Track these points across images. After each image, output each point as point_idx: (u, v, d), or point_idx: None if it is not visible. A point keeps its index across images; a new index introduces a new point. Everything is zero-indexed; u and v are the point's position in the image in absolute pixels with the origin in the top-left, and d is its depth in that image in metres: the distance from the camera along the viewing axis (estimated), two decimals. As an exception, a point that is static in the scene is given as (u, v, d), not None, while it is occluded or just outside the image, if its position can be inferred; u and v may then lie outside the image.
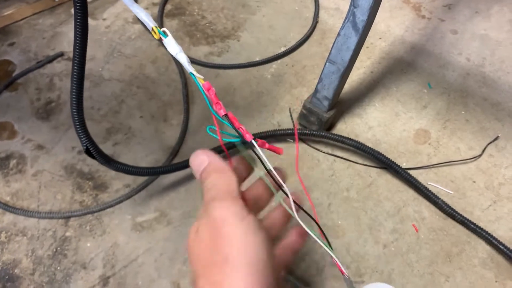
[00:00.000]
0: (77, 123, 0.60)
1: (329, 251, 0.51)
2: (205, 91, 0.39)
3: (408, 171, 0.84)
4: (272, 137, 0.88)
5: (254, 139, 0.39)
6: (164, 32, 0.41)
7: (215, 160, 0.39)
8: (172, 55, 0.42)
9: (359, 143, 0.84)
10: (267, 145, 0.40)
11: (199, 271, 0.32)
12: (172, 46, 0.41)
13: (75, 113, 0.60)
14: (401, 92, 1.02)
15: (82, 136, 0.60)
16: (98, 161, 0.65)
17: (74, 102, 0.59)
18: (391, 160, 0.82)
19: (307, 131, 0.87)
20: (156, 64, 1.05)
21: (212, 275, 0.30)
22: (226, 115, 0.39)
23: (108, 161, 0.66)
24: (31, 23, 1.12)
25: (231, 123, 0.39)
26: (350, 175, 0.86)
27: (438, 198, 0.81)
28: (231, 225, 0.32)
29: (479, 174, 0.88)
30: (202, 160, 0.39)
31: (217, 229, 0.32)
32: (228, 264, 0.30)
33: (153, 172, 0.77)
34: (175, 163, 0.79)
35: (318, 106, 0.87)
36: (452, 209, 0.80)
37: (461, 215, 0.79)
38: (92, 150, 0.62)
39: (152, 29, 0.41)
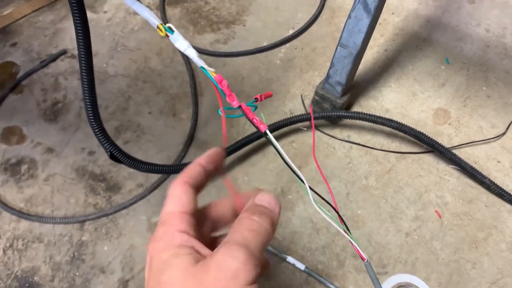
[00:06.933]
0: (97, 130, 0.59)
1: (348, 236, 0.49)
2: (218, 84, 0.39)
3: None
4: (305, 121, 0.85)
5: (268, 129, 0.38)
6: (170, 28, 0.40)
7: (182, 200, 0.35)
8: (180, 51, 0.41)
9: (400, 123, 0.79)
10: (263, 97, 0.41)
11: None
12: (179, 42, 0.40)
13: (92, 120, 0.58)
14: (417, 70, 0.98)
15: (104, 142, 0.59)
16: (125, 165, 0.64)
17: (89, 109, 0.58)
18: (435, 140, 0.79)
19: (339, 113, 0.82)
20: (161, 56, 1.02)
21: None
22: (240, 106, 0.38)
23: (136, 163, 0.65)
24: (31, 21, 1.10)
25: (245, 114, 0.39)
26: (368, 162, 0.83)
27: (485, 178, 0.77)
28: (173, 272, 0.31)
29: (503, 153, 0.84)
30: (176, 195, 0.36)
31: (158, 272, 0.32)
32: None
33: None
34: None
35: (331, 92, 0.84)
36: (500, 188, 0.77)
37: (510, 195, 0.76)
38: (117, 154, 0.61)
39: (158, 27, 0.40)
